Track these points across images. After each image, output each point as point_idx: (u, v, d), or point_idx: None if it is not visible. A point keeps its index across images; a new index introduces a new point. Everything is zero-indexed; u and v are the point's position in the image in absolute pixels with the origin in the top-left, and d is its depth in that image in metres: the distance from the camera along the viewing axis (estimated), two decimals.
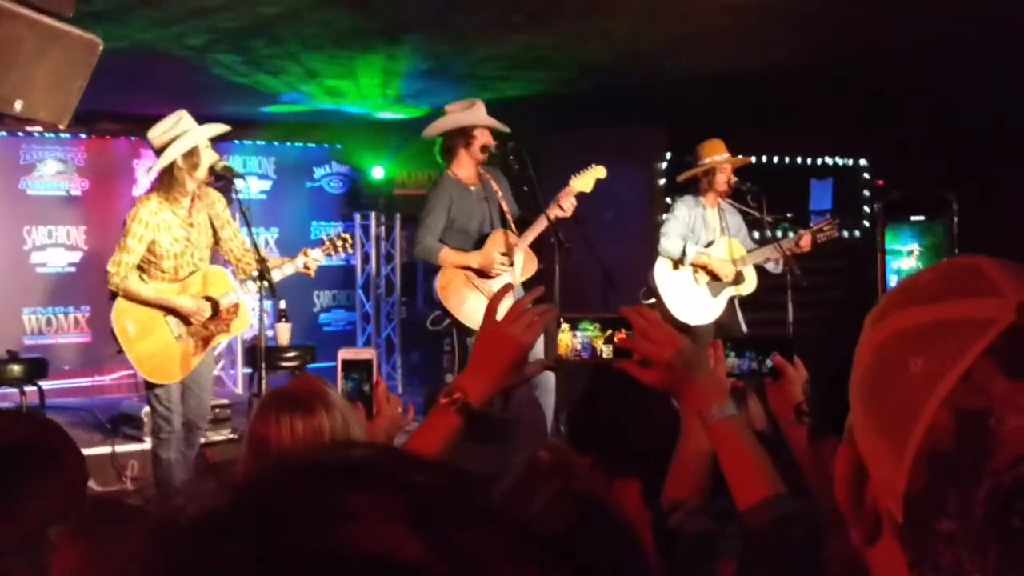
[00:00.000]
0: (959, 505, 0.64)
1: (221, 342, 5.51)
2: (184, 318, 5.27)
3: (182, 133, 5.13)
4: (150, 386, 5.35)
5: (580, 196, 6.07)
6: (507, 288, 2.06)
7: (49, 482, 1.93)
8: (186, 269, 5.31)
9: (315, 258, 5.53)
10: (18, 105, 3.24)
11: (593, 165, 6.14)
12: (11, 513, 1.84)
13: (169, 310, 5.25)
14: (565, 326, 1.92)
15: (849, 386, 0.75)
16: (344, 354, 2.88)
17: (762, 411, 2.61)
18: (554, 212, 5.95)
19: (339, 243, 5.71)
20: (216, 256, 5.64)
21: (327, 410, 2.28)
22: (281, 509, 0.47)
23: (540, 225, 6.00)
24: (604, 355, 1.92)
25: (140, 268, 5.24)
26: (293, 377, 2.37)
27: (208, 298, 5.35)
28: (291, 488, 0.48)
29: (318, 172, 10.15)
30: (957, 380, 0.66)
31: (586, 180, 6.09)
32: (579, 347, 1.93)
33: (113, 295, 5.26)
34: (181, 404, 5.40)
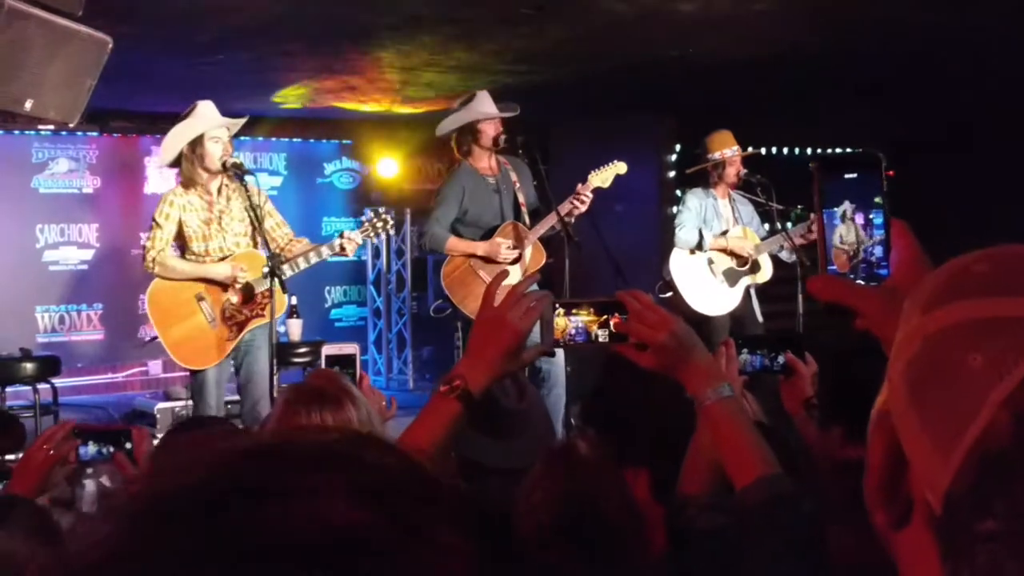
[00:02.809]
0: (1007, 508, 0.62)
1: (256, 327, 5.38)
2: (219, 290, 5.30)
3: (190, 123, 5.25)
4: (192, 378, 5.40)
5: (594, 190, 6.05)
6: (503, 274, 2.08)
7: None
8: (217, 254, 5.35)
9: (352, 238, 5.46)
10: (28, 104, 3.26)
11: (614, 161, 6.10)
12: None
13: (202, 287, 5.29)
14: (560, 311, 1.94)
15: (889, 370, 0.73)
16: (327, 350, 2.93)
17: (757, 407, 2.63)
18: (568, 208, 5.92)
19: (379, 224, 5.62)
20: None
21: (353, 403, 2.30)
22: (228, 492, 0.50)
23: (551, 220, 5.96)
24: (599, 339, 1.94)
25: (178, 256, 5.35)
26: (312, 372, 2.42)
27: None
28: (240, 471, 0.52)
29: (328, 168, 10.19)
30: (1019, 382, 0.63)
31: (605, 176, 6.07)
32: (573, 331, 1.94)
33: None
34: (222, 400, 5.46)
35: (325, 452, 0.54)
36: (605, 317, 1.92)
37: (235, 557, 0.47)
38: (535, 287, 1.96)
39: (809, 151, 9.66)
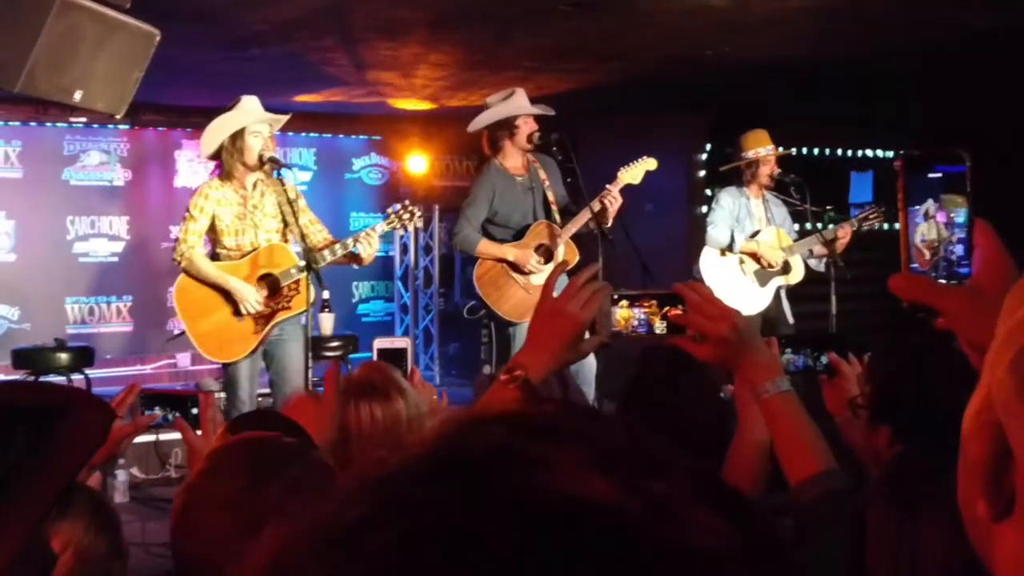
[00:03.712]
0: None
1: (283, 320, 5.40)
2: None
3: (232, 116, 5.28)
4: (224, 372, 5.43)
5: (623, 188, 6.02)
6: (563, 266, 2.08)
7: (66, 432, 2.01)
8: (248, 249, 5.36)
9: (374, 231, 5.43)
10: (78, 95, 3.29)
11: (644, 157, 6.07)
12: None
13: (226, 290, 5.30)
14: (624, 302, 1.93)
15: (991, 363, 0.73)
16: (380, 343, 2.92)
17: None
18: (597, 206, 5.90)
19: (405, 216, 5.55)
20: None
21: (402, 396, 2.31)
22: (480, 458, 0.51)
23: (583, 217, 5.94)
24: (659, 331, 1.93)
25: (210, 249, 5.39)
26: (364, 364, 2.45)
27: (268, 275, 5.36)
28: (486, 440, 0.52)
29: (357, 163, 10.21)
30: None
31: (635, 172, 6.03)
32: (636, 323, 1.94)
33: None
34: (254, 395, 5.48)
35: (551, 423, 0.54)
36: (666, 309, 1.92)
37: (505, 518, 0.47)
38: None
39: (840, 152, 9.62)
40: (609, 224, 5.92)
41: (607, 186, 5.96)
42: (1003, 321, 0.73)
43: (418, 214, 5.66)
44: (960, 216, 1.23)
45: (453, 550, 0.47)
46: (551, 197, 6.08)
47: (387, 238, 10.19)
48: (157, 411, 2.55)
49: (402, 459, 0.52)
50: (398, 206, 5.65)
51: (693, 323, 1.86)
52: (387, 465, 0.52)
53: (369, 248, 5.36)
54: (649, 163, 6.09)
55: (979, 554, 0.75)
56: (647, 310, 1.92)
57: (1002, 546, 0.72)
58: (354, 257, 5.40)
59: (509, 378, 1.79)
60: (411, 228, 5.81)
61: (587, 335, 1.89)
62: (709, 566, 0.48)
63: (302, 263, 5.21)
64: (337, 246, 5.37)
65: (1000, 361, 0.72)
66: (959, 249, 1.20)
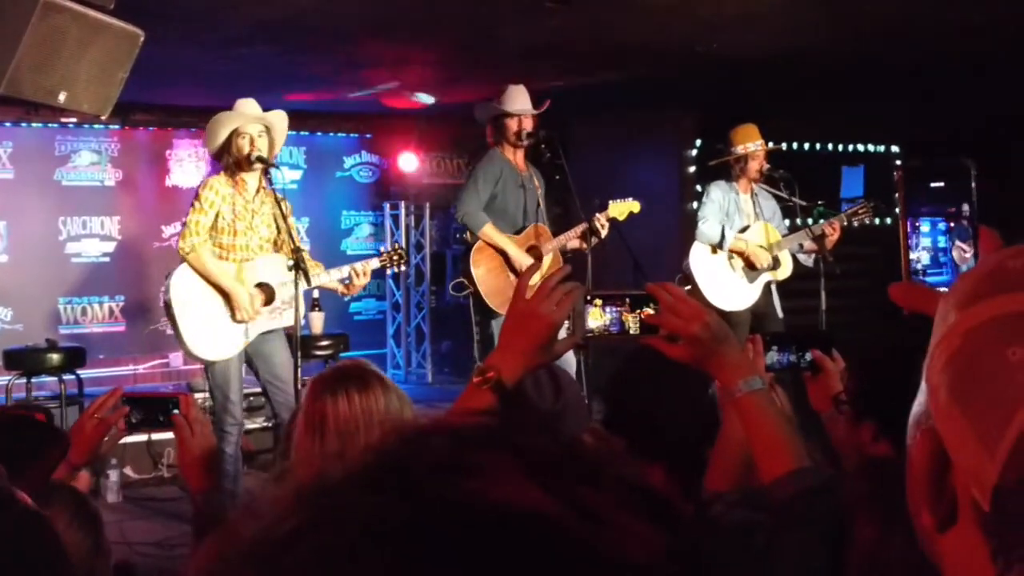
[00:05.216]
0: None
1: (272, 328, 5.47)
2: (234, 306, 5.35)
3: (228, 120, 5.34)
4: (208, 372, 5.42)
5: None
6: (535, 267, 2.06)
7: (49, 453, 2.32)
8: (242, 251, 5.39)
9: (366, 267, 5.56)
10: (62, 97, 3.29)
11: (630, 199, 6.22)
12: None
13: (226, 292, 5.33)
14: (597, 302, 1.93)
15: (927, 370, 0.72)
16: None
17: (787, 402, 2.63)
18: (582, 228, 6.05)
19: (395, 257, 5.78)
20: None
21: (382, 386, 2.28)
22: (416, 467, 0.51)
23: (577, 230, 6.05)
24: (632, 331, 1.93)
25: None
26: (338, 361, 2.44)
27: (264, 284, 5.43)
28: (424, 450, 0.53)
29: (348, 161, 10.22)
30: None
31: (621, 208, 6.17)
32: (608, 323, 1.94)
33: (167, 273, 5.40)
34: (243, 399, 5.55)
35: (488, 433, 0.55)
36: (639, 310, 1.92)
37: (437, 524, 0.48)
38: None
39: (831, 147, 9.64)
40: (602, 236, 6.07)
41: (598, 214, 6.07)
42: (937, 326, 0.73)
43: (405, 257, 5.94)
44: (925, 223, 1.24)
45: (386, 556, 0.47)
46: (542, 205, 6.16)
47: (378, 236, 10.23)
48: (139, 414, 2.56)
49: (341, 470, 0.52)
50: (389, 247, 5.93)
51: (665, 323, 1.86)
52: (326, 476, 0.52)
53: (364, 279, 5.53)
54: (633, 205, 6.24)
55: (931, 559, 0.74)
56: (620, 311, 1.92)
57: (948, 556, 0.71)
58: (343, 284, 5.57)
59: (482, 380, 1.79)
60: (399, 268, 5.97)
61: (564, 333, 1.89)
62: (634, 571, 0.49)
63: (291, 262, 5.22)
64: (334, 271, 5.49)
65: (934, 367, 0.71)
66: (925, 258, 1.20)
